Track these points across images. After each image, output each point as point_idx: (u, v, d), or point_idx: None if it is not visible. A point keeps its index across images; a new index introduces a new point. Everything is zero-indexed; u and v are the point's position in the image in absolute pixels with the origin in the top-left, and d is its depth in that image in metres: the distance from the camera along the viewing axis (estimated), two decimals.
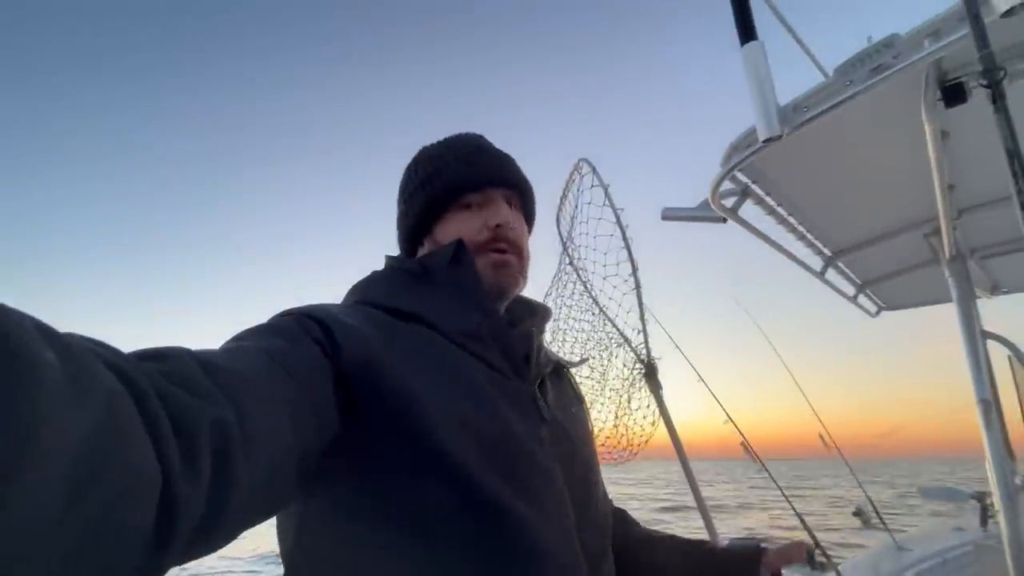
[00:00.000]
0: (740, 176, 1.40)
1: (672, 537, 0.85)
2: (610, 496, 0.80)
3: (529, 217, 0.80)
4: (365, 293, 0.69)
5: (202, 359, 0.40)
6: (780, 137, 1.05)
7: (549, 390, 0.72)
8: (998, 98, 0.55)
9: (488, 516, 0.53)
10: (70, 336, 0.30)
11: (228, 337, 0.52)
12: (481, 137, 0.80)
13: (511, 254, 0.72)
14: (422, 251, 0.76)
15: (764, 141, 1.05)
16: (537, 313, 0.78)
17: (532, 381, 0.69)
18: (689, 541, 0.84)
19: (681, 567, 0.81)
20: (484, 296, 0.69)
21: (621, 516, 0.87)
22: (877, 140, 1.30)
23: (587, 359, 1.81)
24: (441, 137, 0.81)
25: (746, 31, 1.05)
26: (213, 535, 0.36)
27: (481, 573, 0.52)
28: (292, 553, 0.56)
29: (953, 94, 1.01)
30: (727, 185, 1.43)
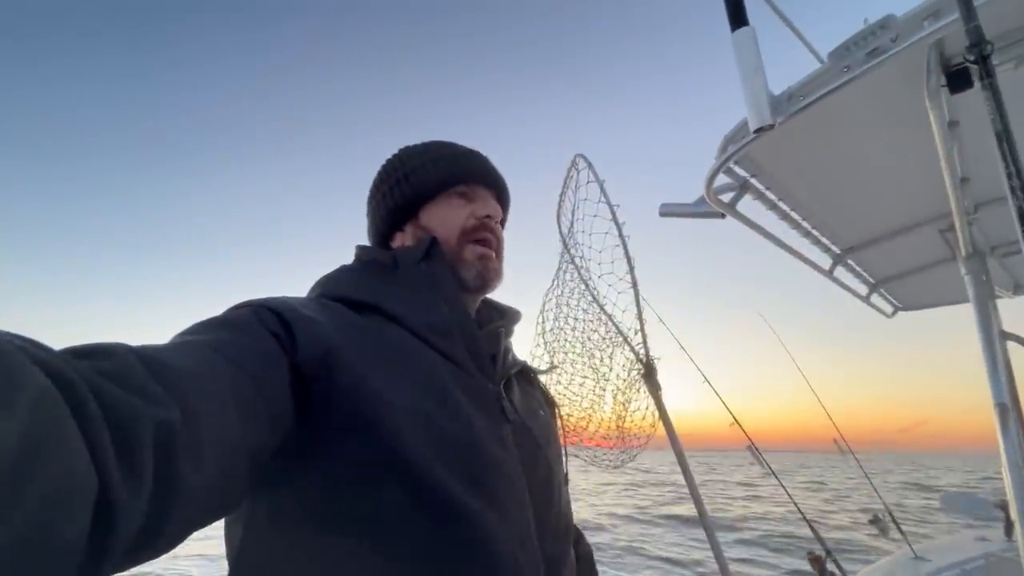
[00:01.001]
0: (737, 170, 1.35)
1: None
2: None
3: (504, 223, 0.83)
4: (328, 286, 0.68)
5: (144, 355, 0.38)
6: (772, 127, 1.00)
7: (515, 391, 0.72)
8: (985, 76, 0.51)
9: (445, 517, 0.52)
10: None
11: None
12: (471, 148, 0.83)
13: (493, 249, 0.74)
14: (401, 237, 0.76)
15: (755, 131, 1.00)
16: (506, 315, 0.78)
17: (497, 381, 0.68)
18: None
19: None
20: (454, 291, 0.69)
21: (579, 538, 0.84)
22: (882, 130, 1.24)
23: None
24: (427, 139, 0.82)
25: (736, 16, 1.00)
26: (157, 541, 0.35)
27: (433, 572, 0.51)
28: (240, 555, 0.54)
29: (957, 79, 0.94)
30: (724, 179, 1.38)
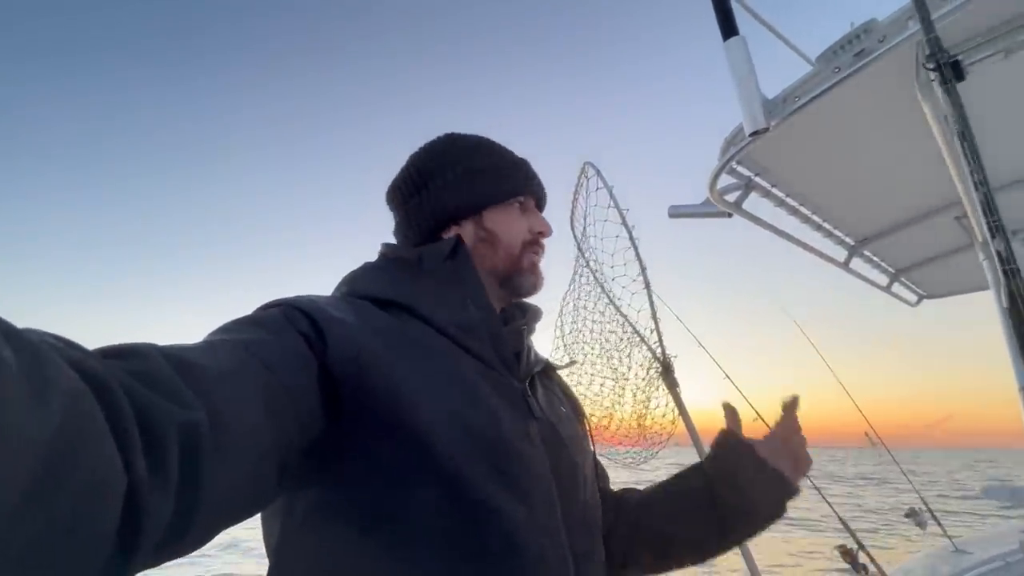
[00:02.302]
0: (741, 169, 1.39)
1: (665, 483, 0.85)
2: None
3: None
4: (355, 285, 0.69)
5: (173, 356, 0.38)
6: (767, 130, 1.04)
7: (539, 389, 0.72)
8: (946, 80, 0.54)
9: (476, 512, 0.53)
10: (29, 332, 0.28)
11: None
12: None
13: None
14: (457, 230, 0.74)
15: (751, 135, 1.04)
16: (528, 313, 0.78)
17: (522, 379, 0.68)
18: (679, 476, 0.84)
19: (699, 479, 0.81)
20: (480, 289, 0.69)
21: (627, 491, 0.86)
22: (882, 124, 1.27)
23: (575, 362, 1.82)
24: (443, 133, 0.81)
25: (727, 27, 1.05)
26: (186, 538, 0.35)
27: (466, 569, 0.52)
28: (278, 551, 0.56)
29: (950, 73, 0.97)
30: (729, 179, 1.42)
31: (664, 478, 0.85)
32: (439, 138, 0.78)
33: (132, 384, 0.33)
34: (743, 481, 0.76)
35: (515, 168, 0.77)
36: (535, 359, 0.74)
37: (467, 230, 0.73)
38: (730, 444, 0.79)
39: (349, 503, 0.52)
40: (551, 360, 0.83)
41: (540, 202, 0.81)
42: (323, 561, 0.53)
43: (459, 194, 0.73)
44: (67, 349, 0.31)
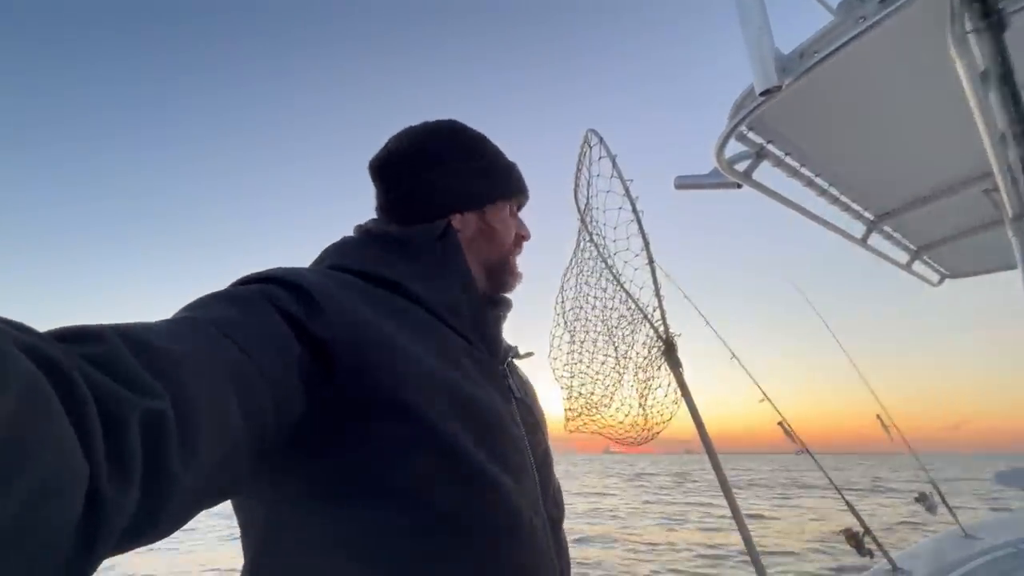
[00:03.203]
0: (752, 136, 1.29)
1: None
2: None
3: None
4: (340, 258, 0.67)
5: (133, 338, 0.36)
6: (779, 88, 0.95)
7: (513, 371, 0.76)
8: (986, 30, 0.46)
9: (472, 483, 0.55)
10: None
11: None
12: None
13: None
14: (459, 217, 0.74)
15: (761, 94, 0.95)
16: (501, 304, 0.80)
17: (502, 361, 0.72)
18: None
19: None
20: (468, 274, 0.71)
21: None
22: (908, 85, 1.16)
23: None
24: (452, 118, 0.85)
25: None
26: (151, 528, 0.34)
27: (468, 538, 0.54)
28: (265, 536, 0.54)
29: (987, 23, 0.86)
30: (739, 147, 1.32)
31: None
32: (443, 122, 0.78)
33: (89, 371, 0.31)
34: None
35: (514, 171, 0.82)
36: (507, 347, 0.77)
37: (469, 220, 0.75)
38: None
39: (348, 478, 0.51)
40: (514, 349, 0.84)
41: (526, 200, 0.86)
42: (323, 538, 0.52)
43: (473, 184, 0.75)
44: (18, 334, 0.29)
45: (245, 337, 0.44)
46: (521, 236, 0.82)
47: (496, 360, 0.70)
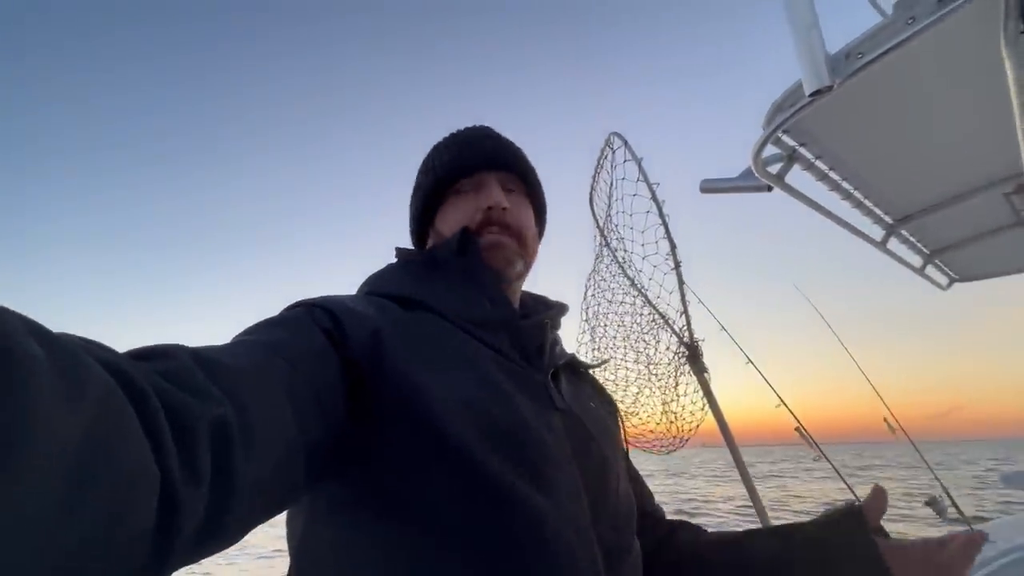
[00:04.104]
0: (786, 139, 1.28)
1: (753, 531, 0.75)
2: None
3: (536, 203, 0.81)
4: (374, 285, 0.70)
5: (199, 356, 0.39)
6: (831, 89, 0.94)
7: (563, 382, 0.71)
8: None
9: (494, 501, 0.52)
10: (62, 335, 0.29)
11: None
12: (487, 127, 0.80)
13: (504, 235, 0.72)
14: (429, 244, 0.78)
15: (811, 95, 0.94)
16: (552, 308, 0.77)
17: (545, 371, 0.67)
18: (776, 528, 0.72)
19: (774, 557, 0.67)
20: (493, 283, 0.69)
21: (683, 525, 0.81)
22: (947, 86, 1.16)
23: (608, 360, 1.75)
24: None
25: None
26: (219, 535, 0.36)
27: (491, 560, 0.51)
28: (300, 547, 0.56)
29: None
30: (772, 150, 1.32)
31: (726, 529, 0.75)
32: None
33: (161, 383, 0.33)
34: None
35: (449, 154, 0.75)
36: (559, 353, 0.73)
37: (432, 242, 0.77)
38: (850, 524, 0.63)
39: (368, 495, 0.53)
40: (581, 357, 0.81)
41: (508, 169, 0.76)
42: (344, 554, 0.53)
43: (412, 208, 0.79)
44: (97, 350, 0.31)
45: (294, 355, 0.48)
46: (488, 209, 0.72)
47: (535, 371, 0.66)
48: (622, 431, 0.79)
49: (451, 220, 0.74)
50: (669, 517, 0.82)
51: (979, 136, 1.38)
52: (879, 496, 0.65)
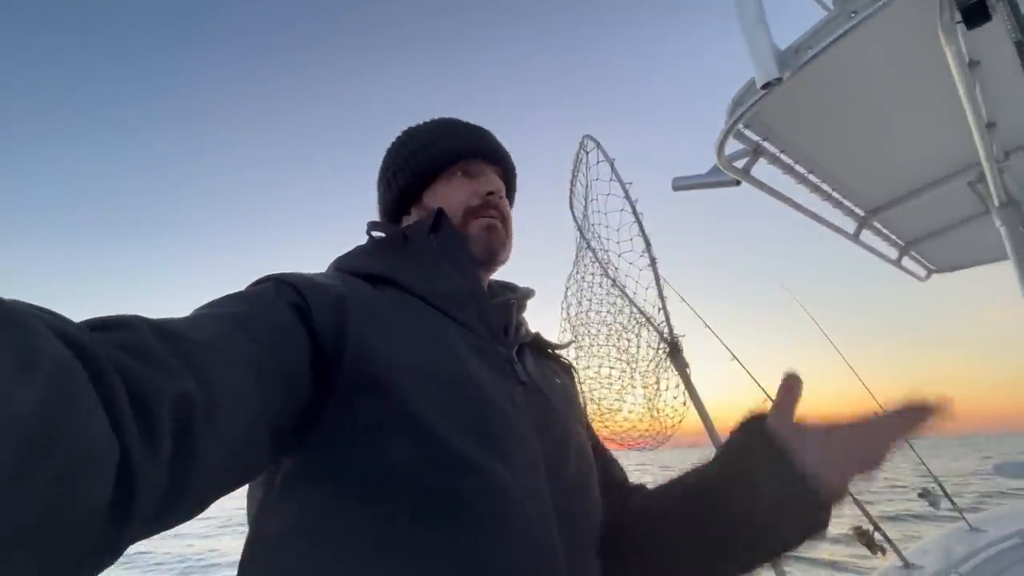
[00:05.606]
0: (749, 134, 1.32)
1: (679, 479, 0.71)
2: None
3: (511, 198, 0.84)
4: (343, 262, 0.71)
5: (162, 328, 0.38)
6: (780, 80, 0.97)
7: (528, 359, 0.72)
8: (970, 21, 0.48)
9: (452, 469, 0.52)
10: (13, 303, 0.28)
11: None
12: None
13: (499, 220, 0.75)
14: (407, 220, 0.77)
15: (762, 87, 0.98)
16: (518, 291, 0.78)
17: (510, 347, 0.68)
18: (696, 470, 0.69)
19: (695, 493, 0.66)
20: (466, 260, 0.70)
21: (637, 489, 0.81)
22: (898, 77, 1.20)
23: (573, 341, 1.77)
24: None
25: None
26: (179, 508, 0.35)
27: (448, 528, 0.51)
28: (258, 518, 0.55)
29: (974, 13, 0.90)
30: (737, 145, 1.35)
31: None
32: (411, 128, 0.81)
33: (120, 355, 0.33)
34: (759, 485, 0.57)
35: (452, 137, 0.77)
36: (525, 333, 0.74)
37: (414, 217, 0.76)
38: (754, 430, 0.59)
39: (327, 465, 0.52)
40: (547, 338, 0.81)
41: (503, 167, 0.79)
42: (302, 525, 0.52)
43: (396, 186, 0.77)
44: (52, 319, 0.30)
45: (259, 329, 0.47)
46: (488, 194, 0.74)
47: (496, 344, 0.66)
48: (581, 398, 0.80)
49: (447, 197, 0.74)
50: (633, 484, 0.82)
51: (936, 126, 1.43)
52: (790, 386, 0.58)
